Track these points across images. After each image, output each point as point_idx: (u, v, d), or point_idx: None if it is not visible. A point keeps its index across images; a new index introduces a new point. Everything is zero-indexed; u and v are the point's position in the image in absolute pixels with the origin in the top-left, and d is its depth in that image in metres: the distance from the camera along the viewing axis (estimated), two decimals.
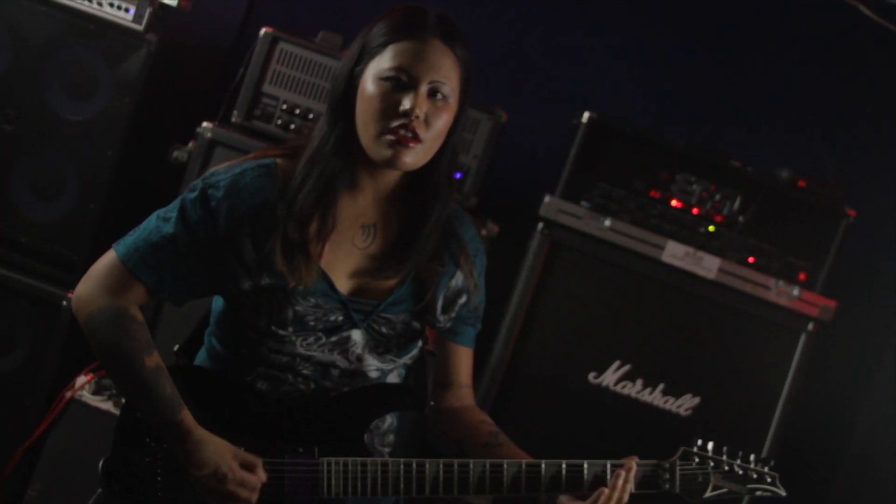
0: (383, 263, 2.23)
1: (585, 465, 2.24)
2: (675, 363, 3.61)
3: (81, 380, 3.52)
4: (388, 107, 2.11)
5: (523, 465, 2.23)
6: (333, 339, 2.24)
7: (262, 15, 4.02)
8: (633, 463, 2.25)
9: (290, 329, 2.20)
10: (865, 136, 4.21)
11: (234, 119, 3.54)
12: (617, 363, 3.60)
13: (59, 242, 3.58)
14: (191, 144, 3.48)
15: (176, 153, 3.49)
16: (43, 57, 3.51)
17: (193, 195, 2.21)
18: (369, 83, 2.14)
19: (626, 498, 2.23)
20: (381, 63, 2.13)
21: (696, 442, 2.29)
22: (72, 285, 3.56)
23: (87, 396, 3.51)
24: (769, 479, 2.29)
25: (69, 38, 3.51)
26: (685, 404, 3.61)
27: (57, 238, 3.58)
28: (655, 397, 3.60)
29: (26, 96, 3.53)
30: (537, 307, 3.57)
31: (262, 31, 3.52)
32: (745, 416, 3.62)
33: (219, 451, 2.15)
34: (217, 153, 3.46)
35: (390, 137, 2.12)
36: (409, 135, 2.12)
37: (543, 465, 2.24)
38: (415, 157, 2.14)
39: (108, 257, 2.24)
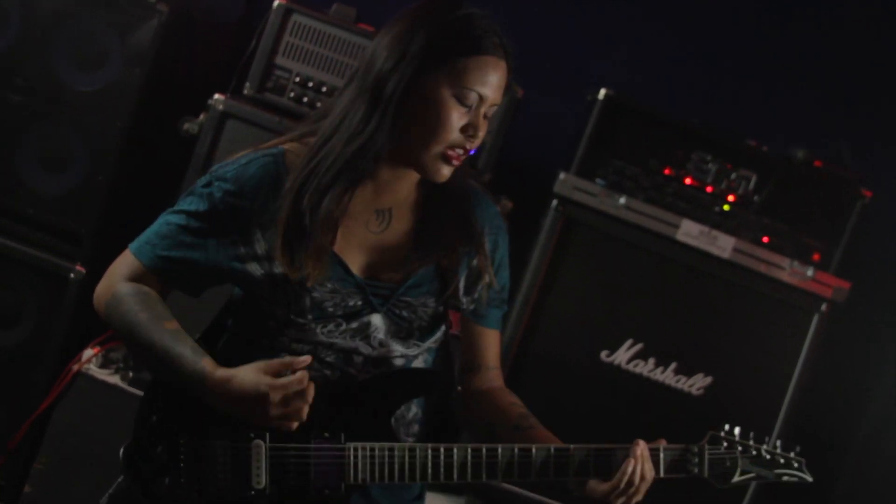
0: (404, 254, 2.21)
1: (617, 451, 2.21)
2: (688, 342, 3.59)
3: (88, 353, 3.51)
4: (456, 127, 2.10)
5: (552, 450, 2.20)
6: (354, 324, 2.20)
7: None
8: (660, 445, 2.23)
9: (309, 317, 2.17)
10: (883, 117, 4.19)
11: (246, 91, 3.50)
12: (629, 342, 3.58)
13: (66, 215, 3.55)
14: (202, 116, 3.45)
15: (187, 125, 3.46)
16: (52, 27, 3.47)
17: (202, 187, 2.19)
18: (442, 92, 2.09)
19: (649, 473, 2.19)
20: (462, 78, 2.08)
21: (724, 427, 2.27)
22: (79, 258, 3.54)
23: (94, 370, 3.49)
24: (796, 465, 2.28)
25: (79, 8, 3.47)
26: (697, 383, 3.59)
27: (64, 210, 3.55)
28: (667, 376, 3.59)
29: (35, 67, 3.49)
30: (550, 284, 3.56)
31: (276, 2, 3.47)
32: (757, 395, 3.60)
33: (248, 375, 2.08)
34: (228, 125, 3.42)
35: (450, 154, 2.11)
36: (461, 152, 2.13)
37: (573, 450, 2.21)
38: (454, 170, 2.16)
39: (124, 255, 2.24)
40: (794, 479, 2.28)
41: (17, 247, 3.53)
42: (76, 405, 3.46)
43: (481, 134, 2.11)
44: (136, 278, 2.21)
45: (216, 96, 3.43)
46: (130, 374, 3.46)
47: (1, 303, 3.57)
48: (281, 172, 2.17)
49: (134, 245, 2.23)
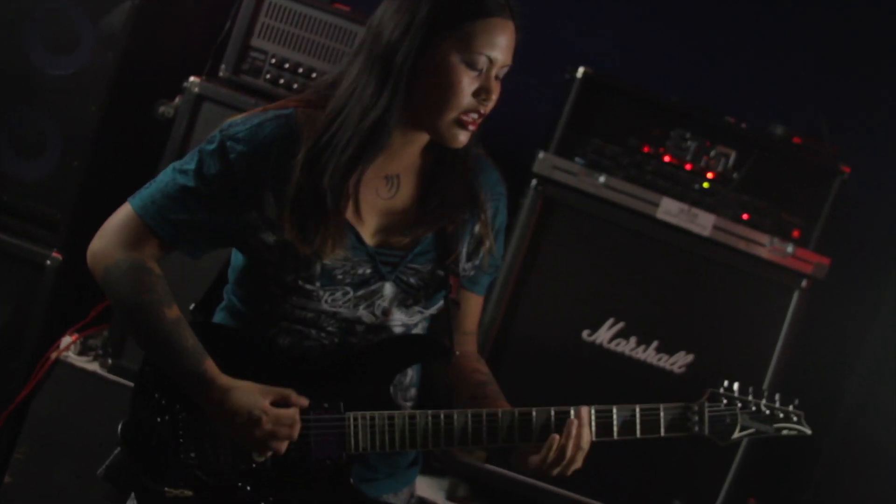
0: (412, 220, 2.20)
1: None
2: (669, 320, 3.58)
3: (66, 340, 3.49)
4: (469, 95, 2.08)
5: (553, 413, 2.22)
6: (361, 292, 2.19)
7: None
8: (585, 409, 2.22)
9: (318, 284, 2.16)
10: (861, 92, 4.19)
11: (221, 73, 3.47)
12: (611, 321, 3.57)
13: (42, 201, 3.52)
14: (177, 99, 3.42)
15: (162, 108, 3.43)
16: (23, 11, 3.43)
17: (211, 147, 2.15)
18: (451, 59, 2.07)
19: (584, 444, 2.19)
20: (471, 43, 2.06)
21: (723, 383, 2.27)
22: (56, 244, 3.50)
23: (73, 357, 3.47)
24: (795, 418, 2.29)
25: None
26: (679, 361, 3.59)
27: (40, 196, 3.52)
28: (649, 355, 3.58)
29: (5, 51, 3.45)
30: (531, 265, 3.54)
31: None
32: (739, 373, 3.49)
33: (246, 395, 2.10)
34: (204, 108, 3.40)
35: (465, 120, 2.09)
36: (476, 117, 2.11)
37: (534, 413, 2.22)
38: (471, 135, 2.15)
39: (124, 211, 2.18)
40: (794, 433, 2.29)
41: None
42: (55, 393, 3.44)
43: (494, 97, 2.11)
44: (137, 239, 2.16)
45: (191, 79, 3.40)
46: (109, 361, 3.44)
47: None
48: (294, 135, 2.13)
49: (136, 202, 2.17)
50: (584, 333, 3.57)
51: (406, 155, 2.20)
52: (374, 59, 2.10)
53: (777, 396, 2.30)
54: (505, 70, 2.13)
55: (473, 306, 2.40)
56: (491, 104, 2.12)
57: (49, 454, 3.43)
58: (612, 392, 3.57)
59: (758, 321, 3.61)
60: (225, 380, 2.11)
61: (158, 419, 2.18)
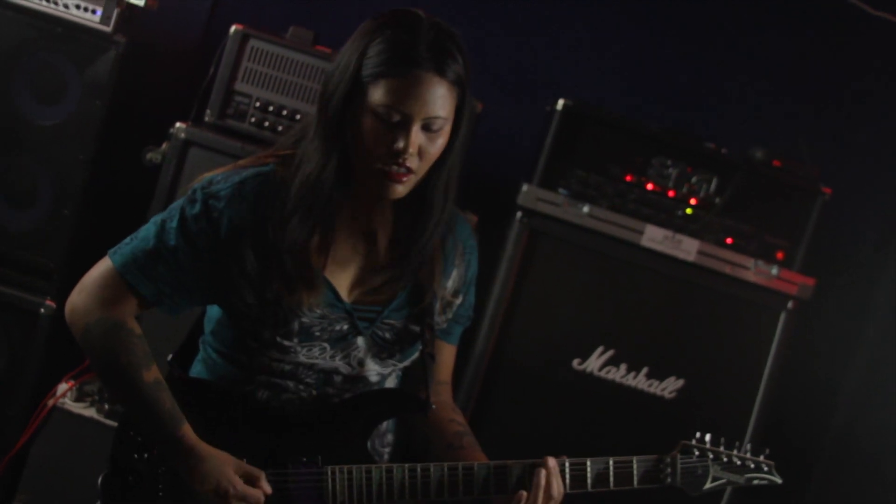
0: (388, 276, 2.20)
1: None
2: (658, 346, 3.62)
3: (63, 387, 3.50)
4: (381, 144, 2.06)
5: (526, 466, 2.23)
6: (337, 347, 2.21)
7: (229, 11, 3.98)
8: (552, 460, 2.23)
9: (296, 340, 2.17)
10: (838, 113, 4.23)
11: (207, 118, 3.51)
12: (600, 349, 3.60)
13: (34, 250, 3.54)
14: (164, 145, 3.45)
15: (150, 155, 3.45)
16: (10, 62, 3.47)
17: (193, 205, 2.14)
18: (366, 114, 2.07)
19: (554, 493, 2.21)
20: (375, 97, 2.05)
21: (695, 435, 2.31)
22: (49, 293, 3.53)
23: (70, 403, 3.49)
24: (766, 469, 2.33)
25: (36, 43, 3.46)
26: (669, 387, 3.62)
27: (32, 246, 3.54)
28: (640, 381, 3.61)
29: None
30: (519, 296, 3.57)
31: (233, 28, 3.48)
32: (730, 395, 3.63)
33: (220, 466, 2.12)
34: (191, 153, 3.42)
35: (384, 171, 2.07)
36: (402, 170, 2.08)
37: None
38: (406, 188, 2.11)
39: (104, 267, 2.17)
40: (764, 482, 2.32)
41: None
42: (53, 440, 3.45)
43: (412, 150, 2.06)
44: (116, 297, 2.14)
45: (177, 125, 3.43)
46: (106, 406, 3.46)
47: None
48: (273, 193, 2.14)
49: (118, 259, 2.15)
50: (575, 362, 3.60)
51: (379, 211, 2.22)
52: (319, 111, 2.14)
53: (749, 446, 2.33)
54: (441, 123, 2.09)
55: (447, 356, 2.41)
56: (412, 158, 2.08)
57: (49, 499, 3.44)
58: (605, 420, 3.60)
59: (746, 343, 3.65)
60: (202, 448, 2.13)
61: (137, 473, 2.20)
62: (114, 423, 3.42)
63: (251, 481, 2.14)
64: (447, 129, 2.12)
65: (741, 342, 3.64)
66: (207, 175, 2.19)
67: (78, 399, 3.52)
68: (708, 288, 3.62)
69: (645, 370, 3.61)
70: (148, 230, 2.17)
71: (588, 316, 3.60)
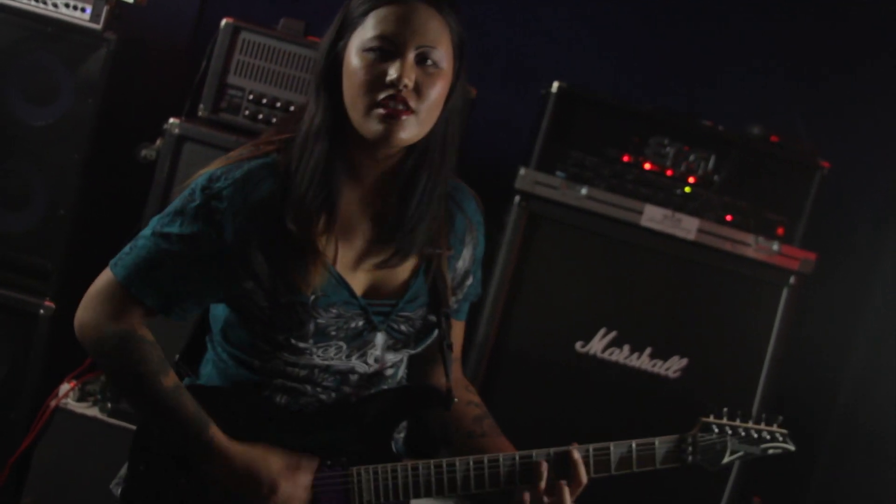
0: (383, 249, 2.11)
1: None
2: (661, 326, 3.61)
3: (65, 387, 3.50)
4: (374, 79, 1.95)
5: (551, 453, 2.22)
6: (353, 345, 2.14)
7: (219, 4, 3.97)
8: (574, 449, 2.21)
9: (311, 341, 2.09)
10: (835, 86, 4.21)
11: (200, 113, 3.49)
12: (603, 331, 3.59)
13: (31, 251, 3.54)
14: (159, 142, 3.44)
15: (144, 152, 3.44)
16: (1, 63, 3.46)
17: (194, 205, 2.04)
18: (353, 56, 1.98)
19: (584, 481, 2.20)
20: (364, 33, 1.97)
21: (713, 411, 2.32)
22: (48, 294, 3.52)
23: (72, 404, 3.48)
24: (780, 437, 2.33)
25: (27, 43, 3.45)
26: (673, 366, 3.61)
27: (30, 247, 3.53)
28: (643, 361, 3.60)
29: None
30: (520, 280, 3.56)
31: (224, 21, 3.47)
32: (734, 372, 3.62)
33: (264, 462, 2.09)
34: (186, 148, 3.41)
35: (381, 111, 1.96)
36: (400, 106, 1.96)
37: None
38: (410, 131, 1.99)
39: (107, 279, 2.09)
40: (779, 451, 2.32)
41: None
42: (57, 441, 3.45)
43: (406, 81, 1.95)
44: (123, 309, 2.07)
45: (171, 120, 3.42)
46: (109, 405, 3.45)
47: None
48: (277, 186, 2.04)
49: (120, 271, 2.07)
50: (578, 345, 3.59)
51: (388, 188, 2.10)
52: (313, 83, 2.07)
53: (763, 416, 2.33)
54: (437, 56, 2.00)
55: (457, 332, 2.36)
56: (409, 93, 1.97)
57: (55, 501, 3.43)
58: (610, 402, 3.60)
59: (749, 320, 3.63)
60: (236, 447, 2.09)
61: (157, 485, 2.15)
62: (117, 422, 3.43)
63: (294, 466, 2.11)
64: (446, 71, 2.03)
65: (744, 319, 3.63)
66: (206, 170, 2.09)
67: (80, 399, 3.52)
68: (709, 266, 3.61)
69: (648, 350, 3.60)
70: (147, 238, 2.08)
71: (589, 298, 3.59)
